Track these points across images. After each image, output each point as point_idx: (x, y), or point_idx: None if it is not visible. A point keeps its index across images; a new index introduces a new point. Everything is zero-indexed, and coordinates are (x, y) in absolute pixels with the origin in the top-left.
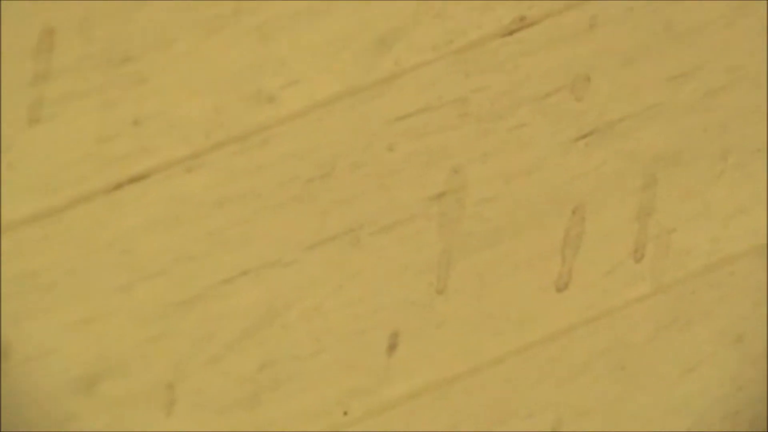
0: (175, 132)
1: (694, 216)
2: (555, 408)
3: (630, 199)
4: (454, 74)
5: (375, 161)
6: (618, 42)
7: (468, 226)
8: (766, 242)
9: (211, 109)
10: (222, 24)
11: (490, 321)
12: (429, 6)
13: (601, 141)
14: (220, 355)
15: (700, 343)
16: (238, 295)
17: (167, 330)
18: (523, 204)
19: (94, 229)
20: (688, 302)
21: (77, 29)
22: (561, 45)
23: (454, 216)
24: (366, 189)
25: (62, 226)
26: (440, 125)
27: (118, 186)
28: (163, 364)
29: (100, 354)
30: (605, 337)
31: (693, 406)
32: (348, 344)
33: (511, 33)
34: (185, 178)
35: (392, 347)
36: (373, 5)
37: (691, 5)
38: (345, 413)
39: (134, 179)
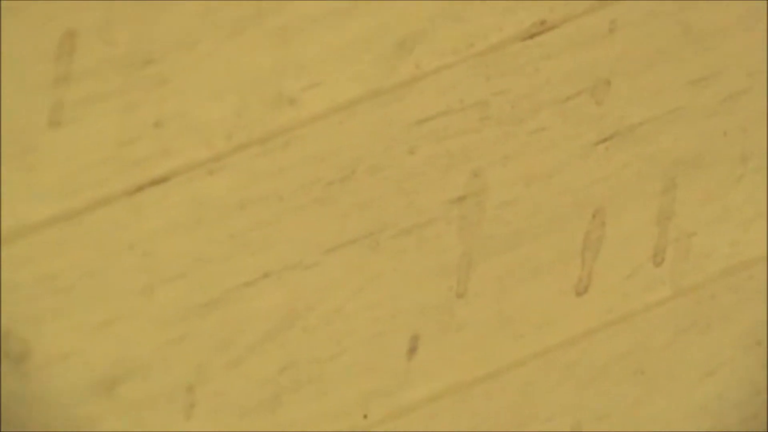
0: (197, 134)
1: (713, 220)
2: (574, 411)
3: (650, 203)
4: (475, 77)
5: (396, 164)
6: (638, 46)
7: (488, 230)
8: None
9: (232, 111)
10: (244, 26)
11: (509, 324)
12: (450, 9)
13: (621, 144)
14: (241, 358)
15: (720, 347)
16: (259, 298)
17: (188, 332)
18: (543, 207)
19: (114, 232)
20: (708, 306)
21: (98, 31)
22: (581, 49)
23: (475, 219)
24: (386, 192)
25: (83, 228)
26: (461, 128)
27: (139, 188)
28: (183, 367)
29: (121, 356)
30: (625, 341)
31: (712, 409)
32: (368, 347)
33: (531, 36)
34: (206, 180)
35: (412, 350)
36: (394, 8)
37: (711, 9)
38: (365, 416)
39: (155, 181)
